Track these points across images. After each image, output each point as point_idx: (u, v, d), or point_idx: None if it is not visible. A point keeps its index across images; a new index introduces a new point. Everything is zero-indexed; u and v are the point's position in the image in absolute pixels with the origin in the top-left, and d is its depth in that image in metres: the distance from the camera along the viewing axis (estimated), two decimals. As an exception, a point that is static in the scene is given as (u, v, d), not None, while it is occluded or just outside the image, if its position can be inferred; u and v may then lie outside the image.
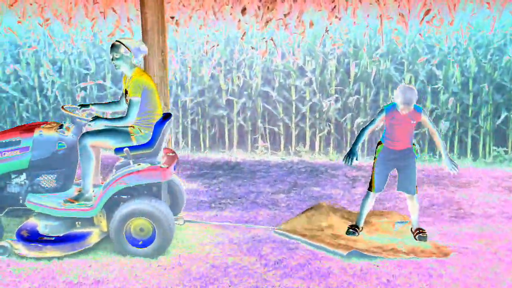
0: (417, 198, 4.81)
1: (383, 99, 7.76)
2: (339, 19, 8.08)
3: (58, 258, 4.17)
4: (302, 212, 5.41)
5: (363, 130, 4.73)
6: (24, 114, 8.45)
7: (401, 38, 7.71)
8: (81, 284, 3.75)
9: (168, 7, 8.10)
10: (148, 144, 4.41)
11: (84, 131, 4.63)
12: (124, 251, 4.32)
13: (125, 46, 4.42)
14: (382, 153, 4.76)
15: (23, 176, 4.58)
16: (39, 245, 4.27)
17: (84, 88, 8.23)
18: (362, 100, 7.75)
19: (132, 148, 4.40)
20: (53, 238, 4.34)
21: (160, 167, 4.40)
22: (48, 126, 4.70)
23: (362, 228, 4.86)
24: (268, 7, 8.37)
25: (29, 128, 4.61)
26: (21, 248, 4.28)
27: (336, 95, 7.85)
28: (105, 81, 8.16)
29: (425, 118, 4.64)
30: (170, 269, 4.03)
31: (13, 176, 4.57)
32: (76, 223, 4.52)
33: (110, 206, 4.39)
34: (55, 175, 4.62)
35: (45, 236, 4.35)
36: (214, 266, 4.09)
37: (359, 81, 7.76)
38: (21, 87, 8.47)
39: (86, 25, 8.27)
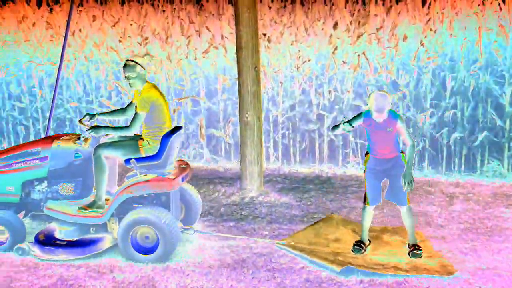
0: (410, 211, 4.65)
1: (482, 113, 7.50)
2: (434, 31, 7.93)
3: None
4: (310, 225, 5.44)
5: (340, 124, 4.55)
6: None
7: (501, 50, 7.43)
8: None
9: (260, 24, 8.34)
10: (156, 156, 4.65)
11: (100, 142, 4.95)
12: (130, 257, 4.58)
13: (141, 66, 4.72)
14: (370, 163, 4.67)
15: (44, 184, 4.97)
16: (52, 248, 4.64)
17: (180, 103, 8.63)
18: (459, 114, 7.53)
19: (140, 159, 4.66)
20: (65, 243, 4.67)
21: (167, 177, 4.63)
22: (67, 137, 5.07)
23: (369, 242, 4.83)
24: (359, 22, 8.38)
25: (49, 140, 5.01)
26: (36, 250, 4.68)
27: (431, 109, 7.68)
28: (199, 96, 8.51)
29: (400, 126, 4.45)
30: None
31: (35, 183, 4.99)
32: (91, 229, 4.84)
33: (123, 214, 4.66)
34: (73, 184, 4.94)
35: (58, 240, 4.70)
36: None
37: (455, 95, 7.56)
38: (121, 102, 9.04)
39: (181, 43, 8.69)
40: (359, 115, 4.60)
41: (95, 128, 4.77)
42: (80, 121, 5.14)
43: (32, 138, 9.53)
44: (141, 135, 4.87)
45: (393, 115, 4.44)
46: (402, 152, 4.65)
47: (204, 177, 7.39)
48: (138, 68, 4.71)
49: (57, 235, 4.78)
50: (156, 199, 4.89)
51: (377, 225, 5.37)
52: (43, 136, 9.29)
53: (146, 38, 8.84)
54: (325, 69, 8.04)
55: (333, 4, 8.86)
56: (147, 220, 4.49)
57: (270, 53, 8.31)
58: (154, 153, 4.68)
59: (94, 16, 9.49)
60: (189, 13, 9.20)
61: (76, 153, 4.91)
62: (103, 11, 9.72)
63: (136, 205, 4.80)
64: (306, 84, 8.06)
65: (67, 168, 4.90)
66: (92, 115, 5.15)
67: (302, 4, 8.96)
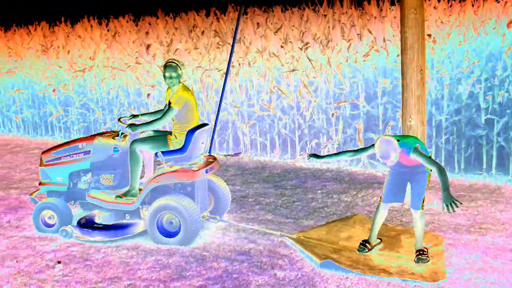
0: (422, 216, 4.67)
1: None
2: None
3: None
4: (327, 222, 5.74)
5: (344, 152, 4.97)
6: (283, 131, 9.36)
7: None
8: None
9: (425, 24, 8.15)
10: (181, 149, 5.26)
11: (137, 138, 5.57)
12: (156, 240, 5.22)
13: (180, 67, 5.34)
14: (396, 164, 4.67)
15: (88, 175, 5.75)
16: (90, 230, 5.38)
17: (338, 107, 8.76)
18: None
19: (168, 153, 5.31)
20: (101, 226, 5.40)
21: (190, 169, 5.17)
22: (108, 134, 5.81)
23: (380, 241, 5.00)
24: (537, 19, 7.80)
25: (92, 136, 5.77)
26: (78, 232, 5.45)
27: None
28: (358, 101, 8.55)
29: (417, 159, 4.46)
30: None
31: (81, 174, 5.78)
32: (126, 215, 5.51)
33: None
34: (112, 175, 5.70)
35: (96, 224, 5.43)
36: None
37: None
38: (281, 106, 9.42)
39: (342, 47, 8.81)
40: (371, 146, 4.72)
41: (131, 125, 5.44)
42: (119, 119, 5.82)
43: (198, 139, 10.33)
44: (171, 131, 5.48)
45: (406, 151, 4.49)
46: (430, 156, 4.64)
47: (362, 182, 7.43)
48: (180, 69, 5.35)
49: (96, 220, 5.51)
50: (182, 189, 5.44)
51: (405, 226, 5.57)
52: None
53: (307, 43, 9.11)
54: (497, 71, 7.61)
55: (506, 2, 8.35)
56: (170, 207, 5.10)
57: (434, 54, 8.08)
58: (180, 146, 5.28)
59: (258, 23, 10.02)
60: (351, 16, 9.29)
61: (114, 148, 5.65)
62: (267, 18, 10.22)
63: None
64: (474, 87, 7.70)
65: (106, 161, 5.65)
66: (135, 116, 5.79)
67: (472, 4, 8.57)
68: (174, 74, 5.32)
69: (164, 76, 5.37)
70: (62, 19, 13.44)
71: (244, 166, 8.81)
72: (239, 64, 9.66)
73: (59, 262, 4.77)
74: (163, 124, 5.44)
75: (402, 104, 6.42)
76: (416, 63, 6.17)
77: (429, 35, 8.05)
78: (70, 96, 12.05)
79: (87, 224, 5.46)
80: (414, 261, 4.65)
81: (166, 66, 5.37)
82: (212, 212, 5.83)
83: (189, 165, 5.30)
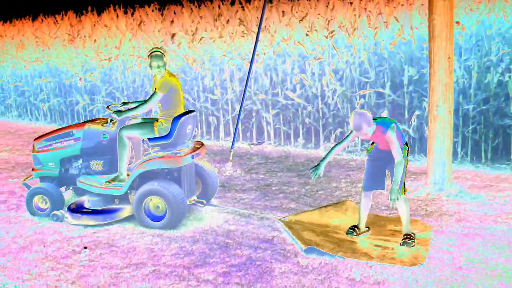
0: (404, 201, 4.70)
1: None
2: None
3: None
4: (320, 207, 5.83)
5: (334, 146, 4.95)
6: (307, 120, 9.33)
7: None
8: (362, 282, 4.03)
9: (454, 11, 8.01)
10: (167, 136, 5.41)
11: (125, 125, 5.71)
12: (143, 224, 5.36)
13: (165, 55, 5.49)
14: (372, 152, 4.91)
15: (80, 161, 5.90)
16: (79, 214, 5.51)
17: (363, 96, 8.68)
18: None
19: (154, 139, 5.46)
20: (90, 210, 5.54)
21: (175, 155, 5.31)
22: (98, 121, 5.95)
23: (367, 230, 5.11)
24: None
25: (82, 123, 5.91)
26: (68, 216, 5.55)
27: None
28: (384, 89, 8.47)
29: (390, 139, 4.54)
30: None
31: (72, 160, 5.92)
32: (115, 200, 5.66)
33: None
34: (102, 160, 5.87)
35: (85, 208, 5.57)
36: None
37: None
38: (305, 95, 9.39)
39: (368, 35, 8.72)
40: (351, 131, 4.77)
41: (117, 112, 5.60)
42: (108, 107, 5.95)
43: (222, 129, 10.38)
44: (158, 118, 5.62)
45: (383, 128, 4.58)
46: (406, 144, 4.75)
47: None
48: (166, 58, 5.52)
49: (85, 204, 5.65)
50: (169, 174, 5.56)
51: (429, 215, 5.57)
52: (231, 126, 10.06)
53: (332, 31, 9.04)
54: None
55: (538, -12, 8.16)
56: (156, 192, 5.25)
57: (463, 42, 7.94)
58: (166, 133, 5.43)
59: (283, 11, 9.96)
60: (378, 4, 9.17)
61: (103, 134, 5.80)
62: (292, 6, 10.16)
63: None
64: (503, 76, 7.55)
65: (96, 147, 5.82)
66: (125, 104, 5.99)
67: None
68: (161, 63, 5.47)
69: (151, 66, 5.50)
70: (89, 8, 13.59)
71: (268, 155, 8.81)
72: (264, 53, 9.64)
73: (85, 248, 4.85)
74: (147, 108, 5.54)
75: (429, 92, 6.34)
76: (444, 51, 6.09)
77: (458, 23, 7.90)
78: (96, 84, 12.20)
79: (77, 209, 5.60)
80: (400, 243, 4.74)
81: (152, 56, 5.48)
82: (200, 197, 5.98)
83: (176, 151, 5.42)
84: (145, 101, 5.58)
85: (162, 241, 4.97)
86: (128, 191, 5.57)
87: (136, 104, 5.80)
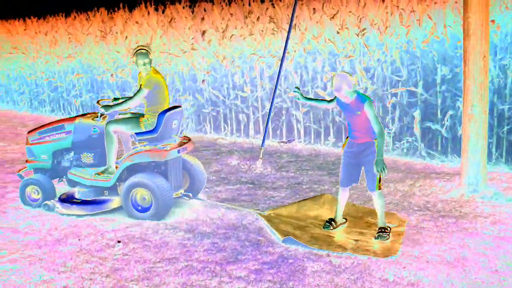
0: (379, 196, 4.91)
1: None
2: None
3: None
4: (298, 201, 6.02)
5: (321, 100, 5.53)
6: (337, 118, 9.29)
7: None
8: (396, 283, 4.01)
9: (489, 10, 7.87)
10: (153, 130, 5.65)
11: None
12: (130, 215, 5.61)
13: (150, 52, 5.70)
14: (346, 146, 5.09)
15: (71, 154, 6.19)
16: (69, 204, 5.77)
17: (395, 94, 8.60)
18: None
19: (140, 133, 5.71)
20: (79, 201, 5.80)
21: (162, 149, 5.54)
22: (88, 116, 6.22)
23: (345, 221, 5.33)
24: None
25: (73, 117, 6.19)
26: (59, 206, 5.79)
27: None
28: (416, 88, 8.37)
29: (368, 110, 4.71)
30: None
31: (64, 153, 6.21)
32: (104, 192, 5.92)
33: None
34: (92, 154, 6.17)
35: (75, 199, 5.83)
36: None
37: None
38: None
39: (400, 33, 8.63)
40: (334, 97, 5.05)
41: (105, 106, 5.84)
42: (98, 102, 6.14)
43: (252, 126, 10.40)
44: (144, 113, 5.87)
45: (362, 98, 4.76)
46: (375, 139, 4.86)
47: (419, 171, 7.31)
48: (151, 55, 5.74)
49: (76, 195, 5.91)
50: (156, 168, 5.80)
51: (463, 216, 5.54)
52: (261, 124, 10.07)
53: (364, 29, 8.97)
54: None
55: None
56: (142, 184, 5.49)
57: (498, 41, 7.79)
58: (152, 128, 5.66)
59: (314, 9, 9.92)
60: (411, 1, 9.06)
61: (94, 128, 6.09)
62: (323, 3, 10.10)
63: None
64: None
65: (87, 141, 6.11)
66: (116, 99, 6.26)
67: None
68: (146, 60, 5.67)
69: (137, 63, 5.71)
70: (121, 5, 13.72)
71: (298, 153, 8.80)
72: (294, 50, 9.62)
73: (119, 242, 4.93)
74: (133, 104, 5.80)
75: (463, 92, 6.25)
76: (479, 50, 5.99)
77: (493, 21, 7.76)
78: (127, 81, 12.34)
79: (67, 199, 5.86)
80: (375, 237, 4.92)
81: (138, 53, 5.70)
82: (187, 191, 6.17)
83: (162, 145, 5.63)
84: (130, 98, 5.86)
85: (194, 237, 5.02)
86: (117, 183, 5.84)
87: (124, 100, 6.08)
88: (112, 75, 12.49)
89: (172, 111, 5.73)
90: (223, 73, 10.62)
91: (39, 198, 6.04)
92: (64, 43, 14.18)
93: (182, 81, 11.33)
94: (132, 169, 5.72)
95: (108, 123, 5.87)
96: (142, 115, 5.89)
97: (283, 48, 7.74)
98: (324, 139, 9.59)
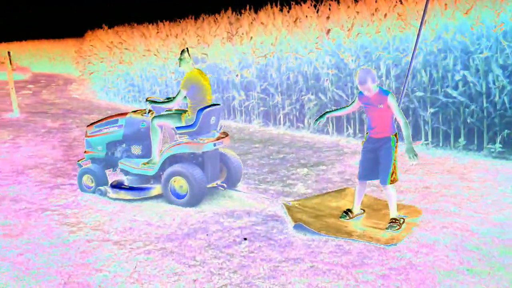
0: (391, 189, 5.18)
1: None
2: None
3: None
4: (323, 193, 6.49)
5: (342, 108, 5.82)
6: (469, 119, 8.78)
7: None
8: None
9: None
10: (193, 125, 6.22)
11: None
12: (169, 201, 6.25)
13: (188, 53, 6.37)
14: (366, 142, 5.38)
15: (123, 145, 6.92)
16: (118, 189, 6.49)
17: (537, 95, 7.96)
18: None
19: (181, 127, 6.31)
20: (127, 187, 6.51)
21: (198, 142, 6.10)
22: (138, 111, 6.95)
23: (363, 212, 5.65)
24: None
25: (125, 113, 6.94)
26: (110, 191, 6.51)
27: None
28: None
29: (392, 102, 5.02)
30: None
31: (117, 145, 6.95)
32: (150, 180, 6.63)
33: None
34: (140, 146, 6.87)
35: (124, 185, 6.56)
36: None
37: None
38: (468, 92, 8.84)
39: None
40: (356, 97, 5.39)
41: (151, 101, 6.69)
42: (147, 99, 6.79)
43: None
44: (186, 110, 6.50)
45: (384, 91, 5.10)
46: (396, 135, 5.20)
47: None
48: (185, 54, 6.38)
49: (125, 182, 6.66)
50: (194, 159, 6.39)
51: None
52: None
53: (501, 24, 8.38)
54: None
55: None
56: (180, 173, 6.09)
57: None
58: (192, 123, 6.23)
59: (446, 4, 9.47)
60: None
61: (142, 123, 6.78)
62: (456, -2, 9.62)
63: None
64: None
65: (136, 134, 6.80)
66: (168, 98, 6.78)
67: None
68: (181, 57, 6.45)
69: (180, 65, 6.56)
70: (247, 6, 14.08)
71: (425, 156, 8.45)
72: (424, 48, 9.25)
73: (245, 239, 5.06)
74: (175, 105, 6.47)
75: None
76: None
77: None
78: (252, 81, 12.64)
79: (117, 186, 6.60)
80: (386, 227, 5.14)
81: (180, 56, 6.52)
82: (225, 182, 6.65)
83: (200, 139, 6.16)
84: (172, 99, 6.50)
85: (319, 238, 5.02)
86: (161, 173, 6.42)
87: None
88: (237, 75, 12.86)
89: (210, 108, 6.26)
90: (347, 72, 10.51)
91: (93, 186, 6.78)
92: (193, 44, 14.83)
93: (305, 80, 11.38)
94: (173, 160, 6.36)
95: (154, 117, 6.52)
96: (185, 111, 6.47)
97: (413, 46, 7.47)
98: (454, 142, 9.12)
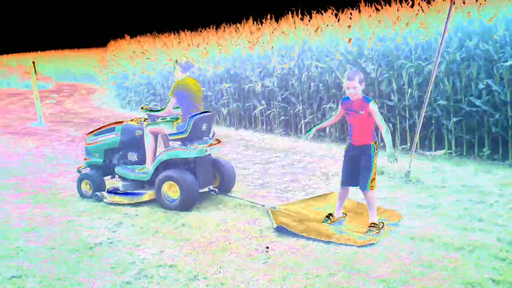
0: (371, 194, 5.35)
1: None
2: None
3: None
4: (308, 198, 6.72)
5: (329, 118, 6.08)
6: (493, 129, 8.69)
7: None
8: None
9: None
10: (184, 131, 6.53)
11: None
12: (161, 205, 6.52)
13: (178, 64, 6.80)
14: (347, 149, 5.59)
15: (120, 152, 7.20)
16: (113, 194, 6.80)
17: None
18: None
19: (173, 134, 6.65)
20: (122, 192, 6.82)
21: (189, 148, 6.44)
22: (134, 120, 7.36)
23: (344, 216, 5.87)
24: None
25: (121, 121, 7.29)
26: (106, 196, 6.83)
27: None
28: None
29: (373, 108, 5.22)
30: None
31: (115, 152, 7.23)
32: (144, 185, 6.90)
33: None
34: (136, 153, 7.19)
35: (119, 190, 6.88)
36: None
37: None
38: (492, 101, 8.75)
39: None
40: (339, 104, 5.58)
41: (145, 109, 7.04)
42: (142, 108, 7.15)
43: (398, 135, 10.13)
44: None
45: (366, 99, 5.30)
46: (375, 142, 5.37)
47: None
48: (176, 65, 6.85)
49: (120, 187, 6.95)
50: (186, 165, 6.67)
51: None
52: (408, 134, 9.72)
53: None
54: None
55: None
56: (171, 177, 6.40)
57: None
58: (183, 129, 6.53)
59: (468, 12, 9.41)
60: None
61: (137, 130, 7.11)
62: (479, 5, 9.54)
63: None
64: None
65: (132, 141, 7.11)
66: (163, 108, 6.99)
67: None
68: (173, 66, 6.95)
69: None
70: (268, 16, 14.16)
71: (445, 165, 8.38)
72: (446, 56, 9.19)
73: (267, 248, 5.06)
74: (166, 112, 6.83)
75: None
76: None
77: None
78: (273, 90, 12.68)
79: (113, 191, 6.91)
80: (365, 232, 5.33)
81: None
82: (218, 187, 6.96)
83: (193, 146, 6.46)
84: (164, 107, 6.87)
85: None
86: (154, 178, 6.65)
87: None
88: (258, 84, 12.92)
89: (201, 115, 6.55)
90: (369, 81, 10.48)
91: (90, 191, 7.10)
92: (214, 53, 14.94)
93: (326, 89, 11.38)
94: (166, 166, 6.65)
95: (147, 125, 6.87)
96: (177, 119, 6.76)
97: (436, 54, 7.44)
98: (478, 151, 9.03)
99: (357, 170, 5.46)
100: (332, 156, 9.63)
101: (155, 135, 6.91)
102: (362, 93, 5.34)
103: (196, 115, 6.51)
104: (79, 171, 7.54)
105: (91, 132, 7.47)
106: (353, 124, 5.44)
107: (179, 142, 6.69)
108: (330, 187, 7.30)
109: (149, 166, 6.82)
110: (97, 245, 5.32)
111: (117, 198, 6.76)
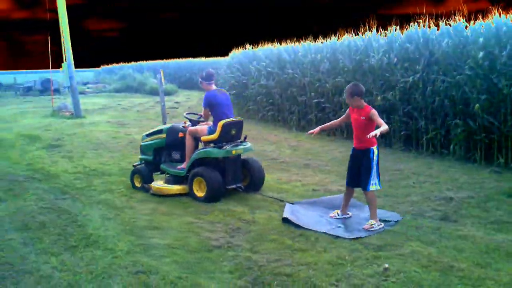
0: (372, 195, 5.99)
1: None
2: None
3: None
4: (321, 197, 7.48)
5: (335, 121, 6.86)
6: None
7: None
8: None
9: None
10: (213, 134, 7.57)
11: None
12: (193, 197, 7.51)
13: (200, 78, 8.04)
14: (351, 152, 6.23)
15: (166, 152, 8.40)
16: (157, 186, 7.99)
17: None
18: None
19: (205, 136, 7.67)
20: (164, 185, 8.01)
21: (219, 148, 7.46)
22: (180, 123, 8.40)
23: (349, 214, 6.54)
24: None
25: (168, 124, 8.60)
26: (152, 187, 7.97)
27: None
28: None
29: (372, 113, 5.87)
30: None
31: (162, 151, 8.40)
32: (183, 180, 7.84)
33: None
34: (179, 152, 8.30)
35: (161, 184, 8.08)
36: None
37: None
38: None
39: None
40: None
41: (189, 117, 8.25)
42: (185, 115, 8.33)
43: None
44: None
45: (367, 107, 5.95)
46: (376, 147, 6.00)
47: None
48: (199, 79, 8.05)
49: (164, 181, 8.12)
50: (217, 164, 7.63)
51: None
52: None
53: None
54: None
55: None
56: (200, 174, 7.45)
57: None
58: (214, 133, 7.58)
59: None
60: None
61: (180, 132, 8.12)
62: None
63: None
64: None
65: (175, 141, 8.21)
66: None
67: None
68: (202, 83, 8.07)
69: None
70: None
71: None
72: None
73: (386, 267, 4.92)
74: (203, 119, 8.13)
75: None
76: None
77: None
78: (394, 103, 12.37)
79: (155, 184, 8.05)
80: (363, 227, 5.98)
81: None
82: (248, 186, 7.99)
83: (223, 147, 7.46)
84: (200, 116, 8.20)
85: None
86: (188, 174, 7.67)
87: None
88: (379, 98, 12.67)
89: (229, 121, 7.65)
90: (500, 98, 9.86)
91: (140, 184, 8.28)
92: (336, 64, 14.88)
93: (452, 104, 10.87)
94: (199, 164, 7.63)
95: (189, 128, 7.93)
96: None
97: None
98: None
99: (358, 173, 6.10)
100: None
101: (194, 137, 7.90)
102: (363, 99, 6.08)
103: (225, 120, 7.60)
104: (133, 166, 8.66)
105: (146, 134, 8.70)
106: (355, 128, 6.13)
107: (212, 144, 7.66)
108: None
109: (188, 163, 7.79)
110: (216, 248, 5.52)
111: (160, 189, 7.91)
